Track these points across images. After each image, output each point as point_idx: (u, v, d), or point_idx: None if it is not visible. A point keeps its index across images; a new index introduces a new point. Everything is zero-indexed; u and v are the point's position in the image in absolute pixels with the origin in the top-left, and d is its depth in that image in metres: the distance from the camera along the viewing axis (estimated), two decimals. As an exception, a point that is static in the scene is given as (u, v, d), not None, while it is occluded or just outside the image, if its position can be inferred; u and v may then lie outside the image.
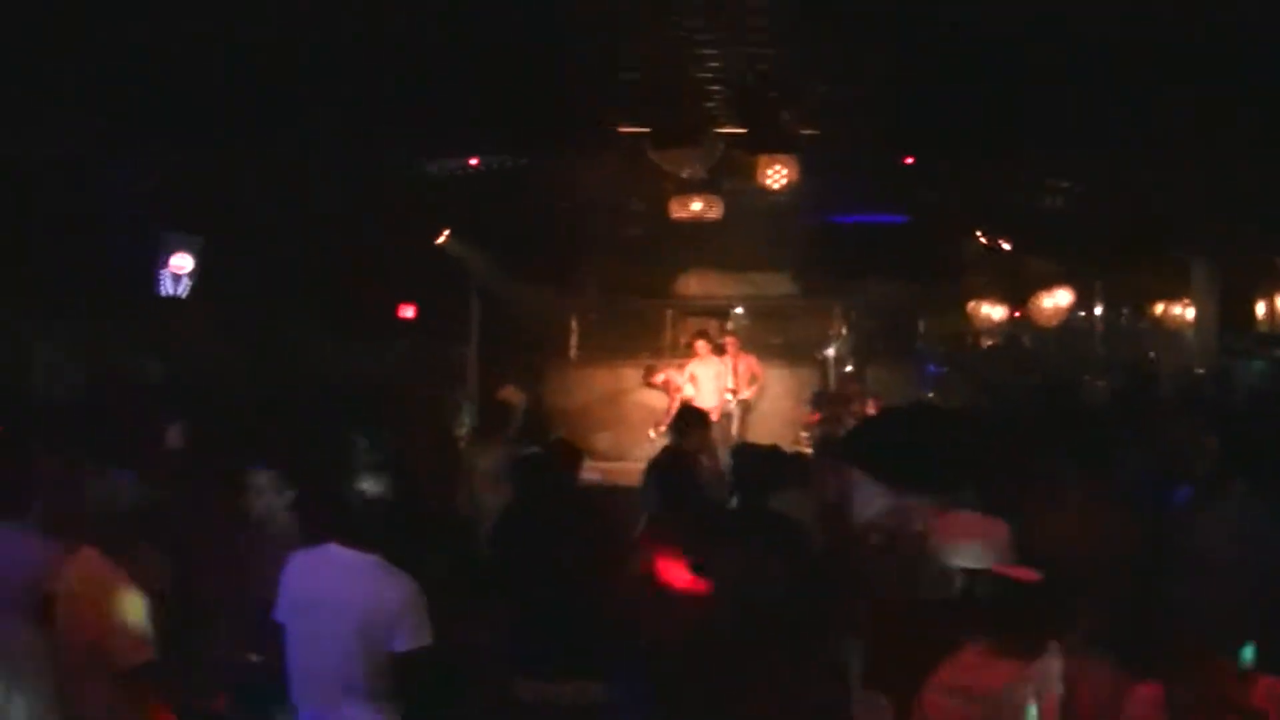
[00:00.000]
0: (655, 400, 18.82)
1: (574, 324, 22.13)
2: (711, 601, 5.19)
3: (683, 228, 16.83)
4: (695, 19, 10.44)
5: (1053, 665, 4.33)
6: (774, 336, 22.32)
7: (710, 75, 11.83)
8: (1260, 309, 18.95)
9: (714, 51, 11.26)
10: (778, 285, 21.96)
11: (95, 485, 6.12)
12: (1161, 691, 4.85)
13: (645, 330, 21.74)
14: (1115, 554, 6.61)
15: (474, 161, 13.69)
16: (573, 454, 8.58)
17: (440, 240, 17.60)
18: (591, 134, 11.21)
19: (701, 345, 17.91)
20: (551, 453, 8.57)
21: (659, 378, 18.59)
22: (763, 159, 13.39)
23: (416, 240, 17.36)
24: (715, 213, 15.88)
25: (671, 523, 7.33)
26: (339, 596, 5.64)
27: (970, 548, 4.54)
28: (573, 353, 22.11)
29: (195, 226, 14.73)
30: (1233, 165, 13.28)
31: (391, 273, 18.15)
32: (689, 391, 17.54)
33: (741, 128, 12.34)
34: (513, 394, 17.58)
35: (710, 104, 12.40)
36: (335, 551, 5.76)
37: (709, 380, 17.62)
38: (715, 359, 17.85)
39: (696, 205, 15.78)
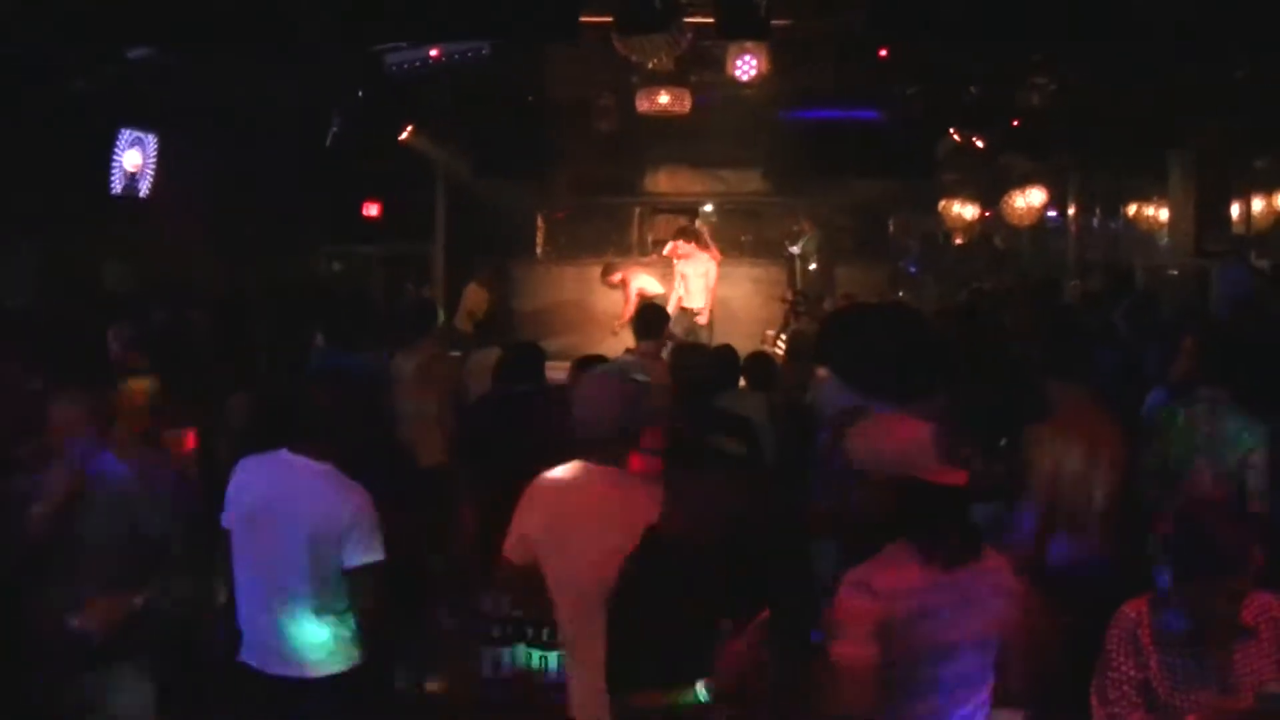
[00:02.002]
0: (620, 300, 18.60)
1: (540, 222, 21.90)
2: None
3: (651, 123, 16.54)
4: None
5: (985, 578, 4.26)
6: (743, 234, 22.18)
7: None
8: (1235, 210, 18.84)
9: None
10: (747, 182, 21.69)
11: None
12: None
13: (613, 228, 21.54)
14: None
15: (435, 54, 13.30)
16: (536, 355, 8.32)
17: (404, 137, 17.23)
18: (556, 21, 10.85)
19: (685, 246, 17.40)
20: (516, 356, 8.27)
21: (616, 276, 18.27)
22: (732, 50, 13.09)
23: (380, 137, 17.00)
24: (683, 106, 15.53)
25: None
26: (288, 505, 5.42)
27: (887, 452, 4.37)
28: (539, 251, 21.90)
29: (150, 124, 14.39)
30: (1210, 63, 13.09)
31: (355, 170, 17.87)
32: (680, 291, 17.16)
33: (710, 16, 11.99)
34: (476, 293, 17.37)
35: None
36: (286, 458, 5.53)
37: (698, 279, 17.19)
38: (703, 255, 17.45)
39: (663, 98, 15.43)
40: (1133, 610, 4.75)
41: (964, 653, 4.18)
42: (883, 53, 13.95)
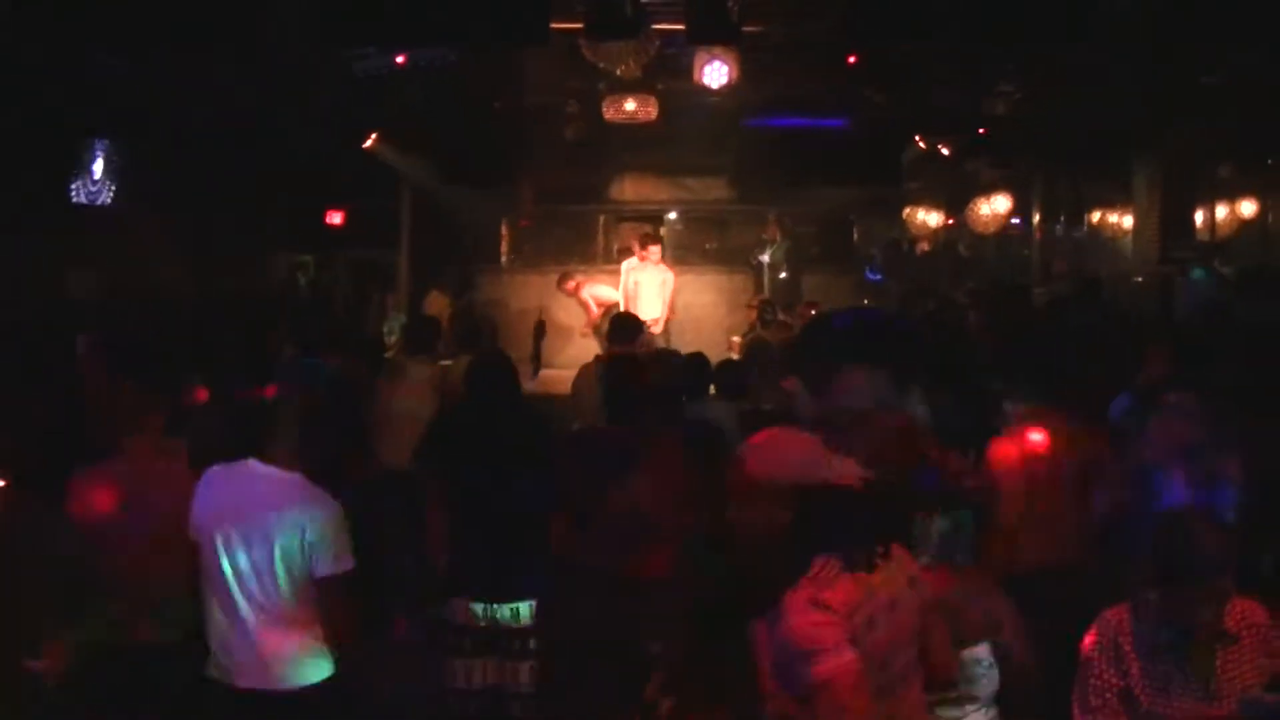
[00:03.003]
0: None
1: (505, 229, 21.84)
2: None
3: (617, 131, 16.50)
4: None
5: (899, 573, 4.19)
6: (709, 242, 22.18)
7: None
8: (1200, 218, 18.94)
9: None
10: (713, 190, 21.65)
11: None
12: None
13: (578, 236, 21.45)
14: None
15: (401, 60, 13.22)
16: (504, 365, 8.26)
17: (368, 144, 17.15)
18: (524, 27, 10.79)
19: (653, 250, 17.31)
20: (488, 363, 8.19)
21: (570, 284, 18.24)
22: (700, 56, 13.04)
23: (344, 144, 16.92)
24: (650, 113, 15.44)
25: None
26: (256, 516, 5.36)
27: (782, 465, 4.35)
28: (504, 259, 21.83)
29: (112, 131, 14.28)
30: (1175, 71, 13.16)
31: (318, 178, 17.80)
32: (616, 298, 17.10)
33: (678, 23, 11.96)
34: (437, 300, 17.32)
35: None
36: (254, 468, 5.46)
37: (652, 287, 17.08)
38: (661, 266, 17.40)
39: (630, 105, 15.35)
40: (1114, 617, 4.74)
41: (897, 652, 4.13)
42: (851, 59, 13.94)
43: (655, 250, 17.07)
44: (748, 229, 21.63)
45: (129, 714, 5.88)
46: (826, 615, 3.97)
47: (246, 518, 5.37)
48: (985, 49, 12.89)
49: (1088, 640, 4.73)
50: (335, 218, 19.69)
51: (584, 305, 17.85)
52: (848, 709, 3.93)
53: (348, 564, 5.37)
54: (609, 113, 15.49)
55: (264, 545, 5.31)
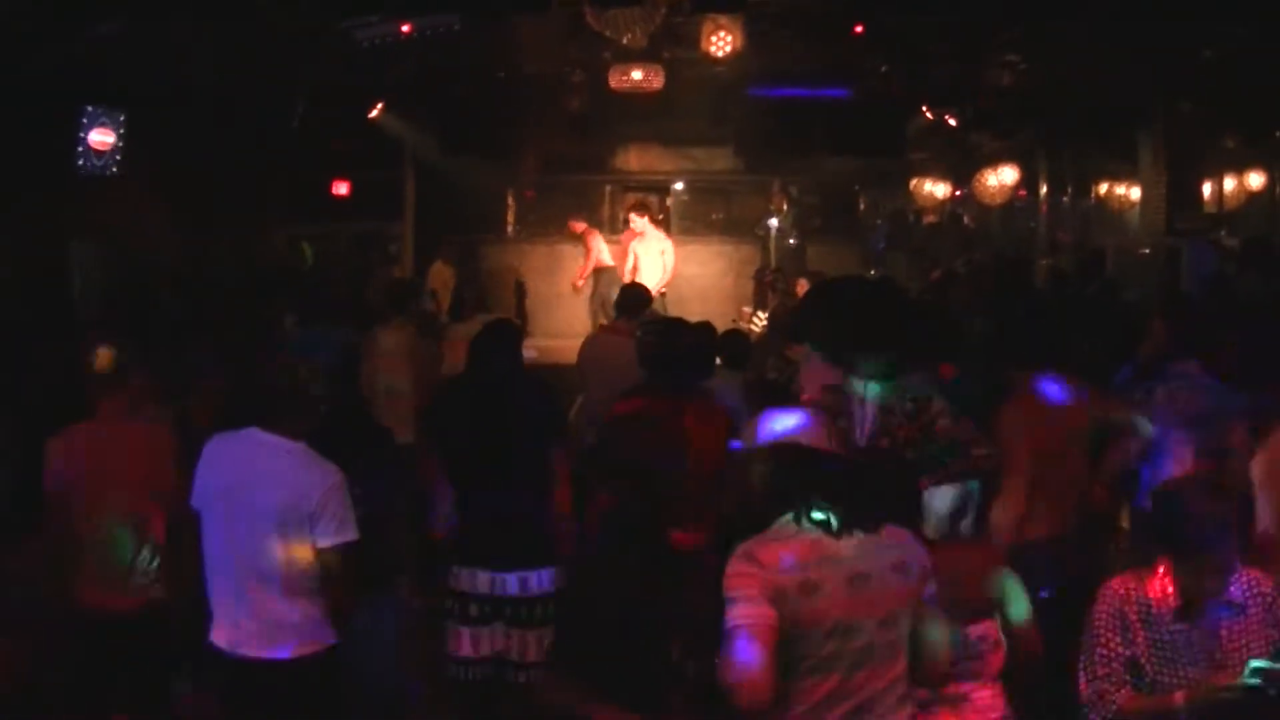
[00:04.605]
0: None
1: (510, 199, 21.82)
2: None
3: (623, 100, 16.46)
4: None
5: (883, 553, 4.24)
6: (715, 212, 22.16)
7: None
8: (1207, 190, 18.86)
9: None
10: (719, 160, 21.60)
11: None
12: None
13: (583, 206, 21.42)
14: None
15: (406, 28, 13.13)
16: (511, 333, 8.20)
17: (374, 114, 17.10)
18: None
19: (641, 221, 17.37)
20: (496, 330, 8.14)
21: (580, 225, 18.37)
22: (707, 25, 12.99)
23: (349, 113, 16.87)
24: (656, 82, 15.43)
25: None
26: (259, 484, 5.34)
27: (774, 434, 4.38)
28: (509, 229, 21.81)
29: (114, 101, 14.20)
30: (1182, 42, 13.08)
31: (324, 148, 17.74)
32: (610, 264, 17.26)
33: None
34: (441, 270, 17.32)
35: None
36: (257, 436, 5.44)
37: (651, 258, 17.16)
38: (658, 234, 17.43)
39: (637, 74, 15.33)
40: (1120, 587, 4.72)
41: (864, 629, 4.12)
42: (857, 29, 13.87)
43: (639, 220, 17.18)
44: (753, 199, 21.65)
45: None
46: (749, 567, 4.06)
47: (249, 487, 5.35)
48: (987, 20, 12.80)
49: (1094, 610, 4.72)
50: (340, 188, 19.63)
51: (586, 250, 18.04)
52: (747, 659, 3.96)
53: (350, 534, 5.35)
54: (615, 81, 15.46)
55: (266, 514, 5.29)
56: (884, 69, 16.24)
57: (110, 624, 6.13)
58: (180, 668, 6.37)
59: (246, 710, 5.47)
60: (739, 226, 21.42)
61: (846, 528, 4.16)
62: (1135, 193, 19.00)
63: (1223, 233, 17.09)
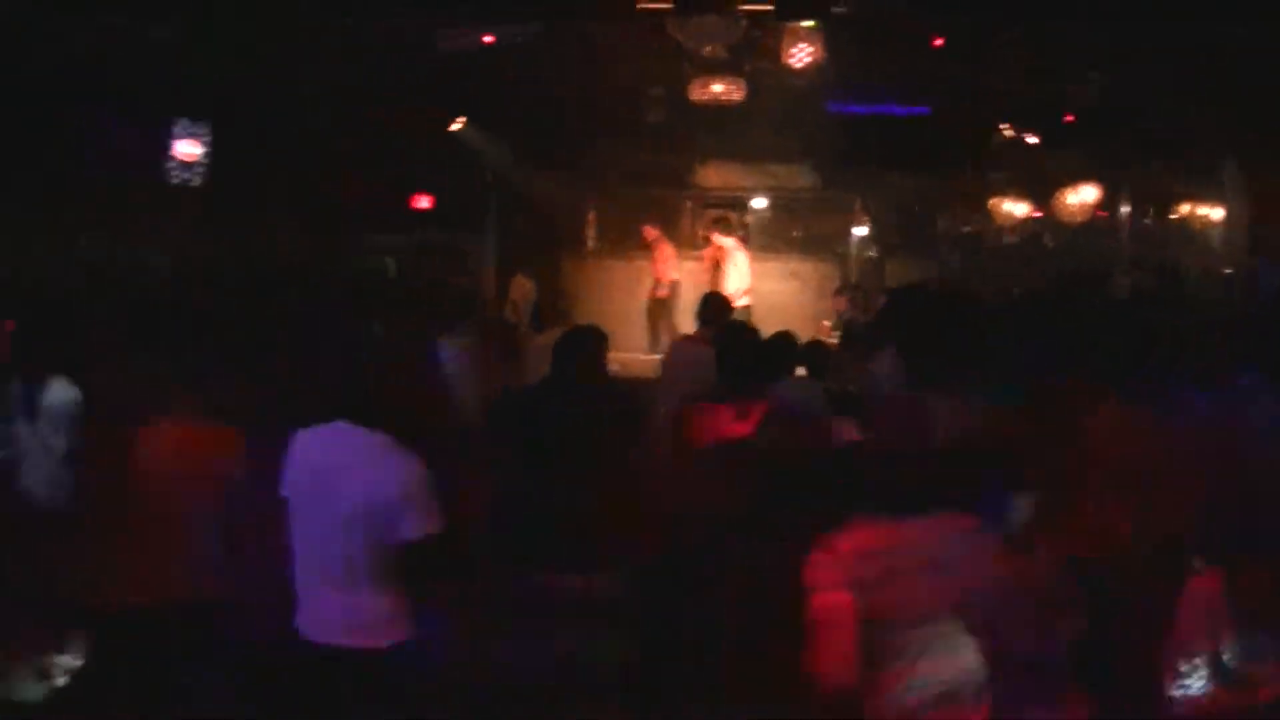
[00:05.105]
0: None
1: (591, 215, 21.91)
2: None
3: (702, 115, 16.49)
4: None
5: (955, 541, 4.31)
6: (794, 229, 22.14)
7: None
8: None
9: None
10: (797, 177, 21.61)
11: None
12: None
13: (663, 222, 21.45)
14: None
15: (489, 39, 13.12)
16: (591, 340, 8.25)
17: (455, 127, 17.25)
18: (611, 6, 10.81)
19: (724, 237, 17.63)
20: (578, 334, 8.19)
21: (653, 232, 18.59)
22: (787, 37, 12.97)
23: (431, 127, 17.02)
24: (737, 95, 15.39)
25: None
26: (345, 474, 5.42)
27: None
28: (590, 244, 21.90)
29: (202, 112, 14.42)
30: (1263, 64, 12.99)
31: (406, 161, 17.91)
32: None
33: (766, 3, 11.94)
34: (521, 283, 17.46)
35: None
36: (342, 429, 5.54)
37: (735, 271, 17.39)
38: (739, 249, 17.66)
39: (718, 87, 15.29)
40: (1204, 585, 4.75)
41: (933, 617, 4.19)
42: (937, 42, 13.78)
43: (723, 236, 17.44)
44: (832, 217, 21.61)
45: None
46: (827, 556, 4.21)
47: (335, 476, 5.43)
48: (1067, 35, 12.74)
49: (1179, 610, 4.75)
50: (423, 202, 19.80)
51: (655, 258, 18.59)
52: (830, 643, 4.11)
53: (435, 526, 5.40)
54: (695, 94, 15.45)
55: (352, 504, 5.36)
56: (964, 85, 16.14)
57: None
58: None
59: (329, 700, 5.53)
60: (818, 244, 21.40)
61: (916, 512, 4.24)
62: (1218, 214, 18.87)
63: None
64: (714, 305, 10.57)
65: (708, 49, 13.44)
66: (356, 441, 5.49)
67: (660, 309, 18.58)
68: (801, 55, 12.95)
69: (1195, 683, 4.67)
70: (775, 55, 13.43)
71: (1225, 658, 4.66)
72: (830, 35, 13.21)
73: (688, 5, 11.38)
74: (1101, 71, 15.03)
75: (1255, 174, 17.26)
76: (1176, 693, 4.72)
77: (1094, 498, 6.17)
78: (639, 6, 10.89)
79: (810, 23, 12.75)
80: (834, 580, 4.14)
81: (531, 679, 6.67)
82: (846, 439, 5.54)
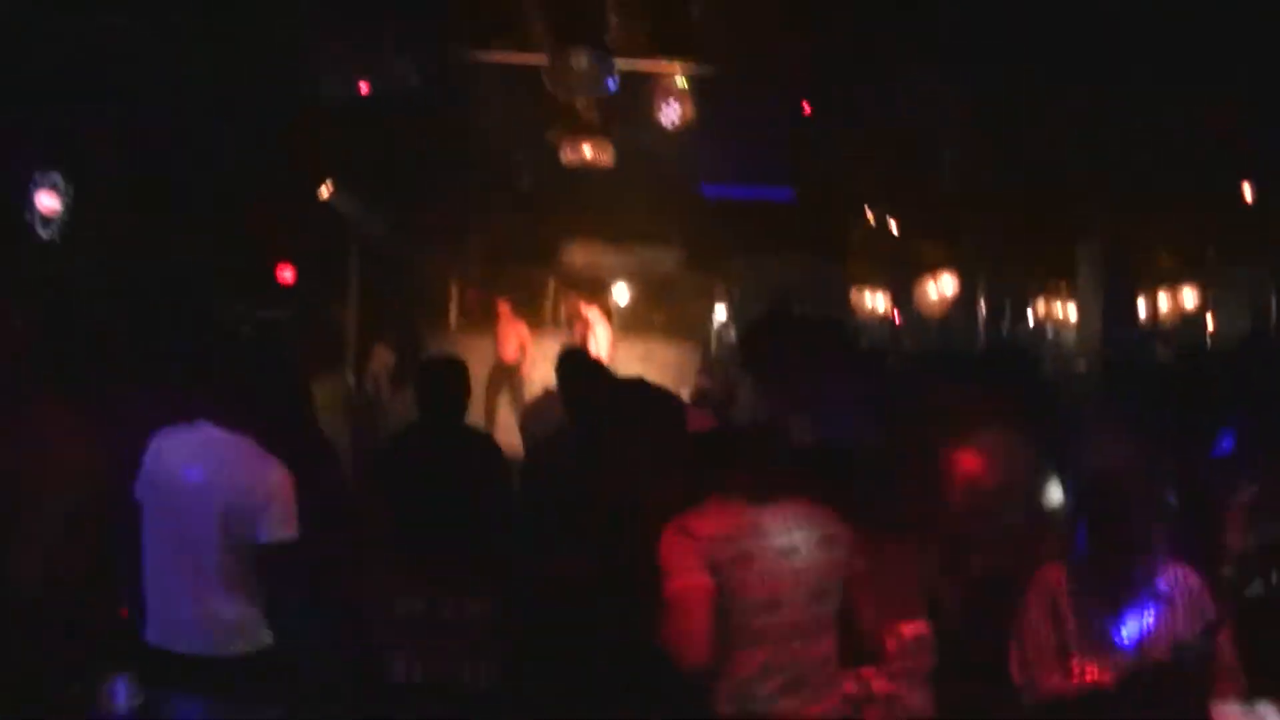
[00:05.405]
0: (535, 374, 18.54)
1: (454, 288, 21.83)
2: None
3: (570, 184, 16.54)
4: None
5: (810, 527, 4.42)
6: (656, 313, 22.22)
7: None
8: (1141, 305, 19.13)
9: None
10: (661, 260, 21.69)
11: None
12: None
13: (527, 299, 21.43)
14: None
15: (365, 89, 12.68)
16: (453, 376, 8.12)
17: (323, 192, 16.98)
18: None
19: (591, 311, 17.82)
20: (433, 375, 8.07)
21: (503, 310, 19.09)
22: (657, 95, 12.97)
23: (297, 192, 16.74)
24: (605, 158, 15.47)
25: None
26: (202, 476, 5.31)
27: None
28: (452, 317, 21.81)
29: (61, 165, 14.11)
30: (1121, 150, 13.31)
31: (269, 227, 17.62)
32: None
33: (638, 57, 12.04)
34: (381, 352, 17.32)
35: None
36: (204, 429, 5.41)
37: (598, 346, 17.50)
38: (600, 324, 17.85)
39: (587, 149, 15.37)
40: (1050, 575, 4.79)
41: (792, 602, 4.26)
42: (806, 109, 13.79)
43: (589, 310, 17.66)
44: (695, 300, 21.76)
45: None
46: (684, 540, 4.24)
47: (192, 478, 5.32)
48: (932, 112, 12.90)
49: (1026, 598, 4.78)
50: (286, 273, 19.41)
51: (500, 335, 18.73)
52: (686, 627, 4.14)
53: (289, 532, 5.29)
54: (566, 154, 15.44)
55: (208, 507, 5.25)
56: (826, 164, 16.20)
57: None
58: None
59: (181, 707, 5.39)
60: (680, 327, 21.50)
61: (766, 498, 4.30)
62: (1074, 308, 19.23)
63: (1157, 346, 17.30)
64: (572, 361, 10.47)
65: (580, 103, 13.47)
66: (216, 442, 5.38)
67: (505, 377, 18.43)
68: (671, 113, 12.95)
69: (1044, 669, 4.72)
70: (646, 116, 13.40)
71: (1069, 643, 4.71)
72: (698, 105, 13.19)
73: (563, 35, 11.37)
74: (960, 153, 15.12)
75: (1109, 267, 17.59)
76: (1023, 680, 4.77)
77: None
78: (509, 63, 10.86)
79: (682, 82, 12.77)
80: (690, 564, 4.14)
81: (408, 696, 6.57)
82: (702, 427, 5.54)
